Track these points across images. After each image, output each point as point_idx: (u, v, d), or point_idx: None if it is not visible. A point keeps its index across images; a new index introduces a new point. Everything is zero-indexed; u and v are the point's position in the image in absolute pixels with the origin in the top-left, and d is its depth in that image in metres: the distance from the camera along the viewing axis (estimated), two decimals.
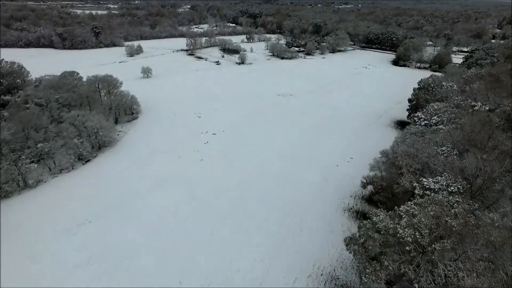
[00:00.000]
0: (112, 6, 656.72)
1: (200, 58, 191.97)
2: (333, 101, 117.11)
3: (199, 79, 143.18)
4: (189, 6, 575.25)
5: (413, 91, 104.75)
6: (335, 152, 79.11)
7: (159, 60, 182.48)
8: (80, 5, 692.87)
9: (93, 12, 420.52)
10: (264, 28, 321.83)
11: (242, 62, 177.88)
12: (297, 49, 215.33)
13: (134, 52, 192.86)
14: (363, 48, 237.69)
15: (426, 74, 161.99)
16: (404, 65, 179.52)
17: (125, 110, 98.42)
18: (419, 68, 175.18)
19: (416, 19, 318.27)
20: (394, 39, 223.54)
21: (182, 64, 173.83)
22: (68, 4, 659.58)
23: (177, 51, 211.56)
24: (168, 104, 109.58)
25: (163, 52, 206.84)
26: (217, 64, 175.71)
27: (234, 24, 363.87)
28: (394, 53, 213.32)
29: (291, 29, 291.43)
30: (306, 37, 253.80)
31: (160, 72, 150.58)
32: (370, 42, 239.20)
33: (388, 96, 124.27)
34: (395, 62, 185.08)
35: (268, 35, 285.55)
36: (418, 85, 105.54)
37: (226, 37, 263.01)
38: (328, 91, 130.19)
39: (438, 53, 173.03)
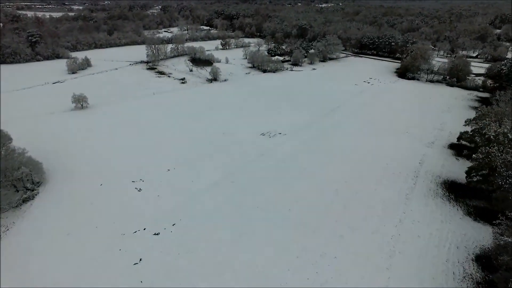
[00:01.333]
0: (76, 7, 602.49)
1: (162, 73, 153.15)
2: (344, 143, 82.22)
3: (153, 110, 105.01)
4: (159, 7, 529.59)
5: (465, 135, 71.59)
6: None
7: (108, 78, 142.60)
8: (39, 6, 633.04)
9: (49, 14, 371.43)
10: (242, 31, 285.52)
11: (214, 78, 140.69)
12: (281, 58, 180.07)
13: (77, 68, 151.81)
14: (356, 54, 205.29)
15: (444, 90, 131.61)
16: (412, 78, 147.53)
17: (15, 183, 59.70)
18: (431, 81, 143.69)
19: (409, 19, 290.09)
20: (392, 44, 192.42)
21: (136, 83, 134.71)
22: (25, 5, 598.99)
23: (135, 63, 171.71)
24: (96, 162, 71.41)
25: (117, 65, 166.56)
26: (182, 82, 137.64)
27: (208, 27, 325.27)
28: (394, 61, 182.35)
29: (272, 32, 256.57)
30: (290, 42, 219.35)
31: (101, 100, 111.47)
32: (364, 48, 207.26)
33: (414, 132, 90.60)
34: (401, 74, 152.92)
35: (246, 40, 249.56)
36: (469, 124, 72.35)
37: (198, 44, 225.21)
38: (332, 124, 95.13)
39: (454, 62, 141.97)
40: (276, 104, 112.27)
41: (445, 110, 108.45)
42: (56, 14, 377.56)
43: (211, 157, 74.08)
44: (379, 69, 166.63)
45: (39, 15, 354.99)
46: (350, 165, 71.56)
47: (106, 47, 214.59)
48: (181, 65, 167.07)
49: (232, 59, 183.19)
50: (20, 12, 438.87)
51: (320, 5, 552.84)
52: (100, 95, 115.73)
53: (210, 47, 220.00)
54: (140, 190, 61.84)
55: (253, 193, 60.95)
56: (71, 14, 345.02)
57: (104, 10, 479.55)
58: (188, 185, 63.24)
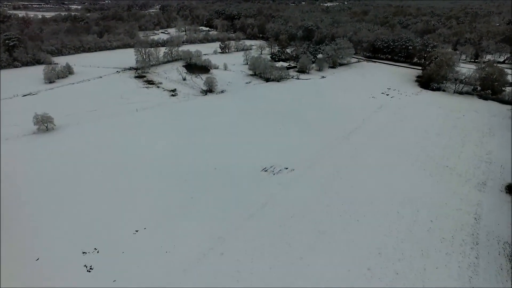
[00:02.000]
0: (74, 7, 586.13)
1: (151, 83, 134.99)
2: (369, 185, 63.57)
3: (130, 133, 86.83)
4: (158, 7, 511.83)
5: None
6: None
7: (88, 89, 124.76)
8: (36, 5, 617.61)
9: (41, 15, 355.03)
10: (243, 33, 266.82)
11: (209, 90, 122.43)
12: (286, 64, 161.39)
13: (55, 76, 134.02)
14: (369, 59, 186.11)
15: (477, 104, 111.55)
16: (438, 89, 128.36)
17: None
18: (460, 93, 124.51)
19: (424, 19, 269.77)
20: (410, 47, 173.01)
21: (119, 96, 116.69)
22: (22, 5, 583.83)
23: (123, 70, 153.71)
24: (37, 218, 53.33)
25: (103, 72, 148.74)
26: (173, 95, 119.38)
27: (208, 28, 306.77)
28: (413, 67, 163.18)
29: (276, 33, 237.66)
30: (296, 45, 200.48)
31: (72, 118, 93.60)
32: (377, 51, 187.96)
33: (454, 165, 71.70)
34: (424, 84, 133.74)
35: (248, 42, 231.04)
36: None
37: (195, 47, 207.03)
38: (351, 154, 76.44)
39: (486, 71, 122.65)
40: (281, 121, 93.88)
41: (487, 133, 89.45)
42: (52, 14, 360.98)
43: (196, 210, 55.73)
44: (397, 77, 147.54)
45: (31, 15, 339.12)
46: (383, 224, 52.99)
47: (95, 51, 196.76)
48: (174, 73, 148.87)
49: (231, 64, 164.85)
50: (14, 12, 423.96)
51: (325, 4, 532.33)
52: (73, 112, 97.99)
53: (208, 50, 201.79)
54: (90, 269, 43.65)
55: (250, 273, 42.64)
56: (64, 14, 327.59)
57: (102, 9, 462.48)
58: (160, 261, 45.01)
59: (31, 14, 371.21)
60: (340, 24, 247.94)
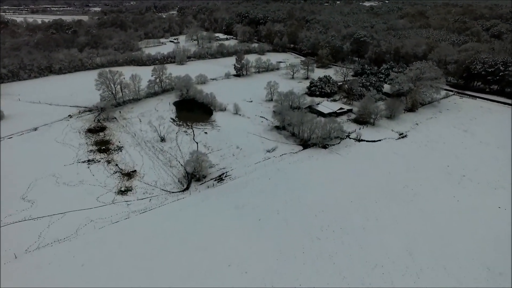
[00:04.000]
0: (96, 9, 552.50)
1: (104, 149, 79.24)
2: None
3: None
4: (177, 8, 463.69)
5: None
6: None
7: None
8: (55, 8, 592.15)
9: (42, 20, 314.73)
10: (269, 42, 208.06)
11: (197, 179, 64.37)
12: (335, 105, 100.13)
13: None
14: (462, 92, 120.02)
15: None
16: None
17: None
18: None
19: None
20: None
21: (24, 192, 61.65)
22: (40, 8, 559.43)
23: (80, 113, 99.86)
24: None
25: (46, 117, 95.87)
26: (123, 191, 62.02)
27: (226, 36, 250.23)
28: None
29: (312, 45, 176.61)
30: (344, 63, 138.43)
31: None
32: (473, 78, 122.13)
33: None
34: None
35: (275, 56, 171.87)
36: None
37: (203, 64, 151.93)
38: None
39: None
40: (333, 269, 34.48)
41: None
42: (71, 17, 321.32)
43: None
44: None
45: (31, 20, 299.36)
46: None
47: (67, 73, 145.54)
48: (154, 116, 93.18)
49: (247, 101, 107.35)
50: (21, 16, 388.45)
51: (366, 3, 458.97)
52: None
53: (219, 70, 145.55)
54: None
55: None
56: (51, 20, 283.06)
57: (120, 12, 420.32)
58: None
59: (34, 17, 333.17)
60: (398, 32, 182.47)
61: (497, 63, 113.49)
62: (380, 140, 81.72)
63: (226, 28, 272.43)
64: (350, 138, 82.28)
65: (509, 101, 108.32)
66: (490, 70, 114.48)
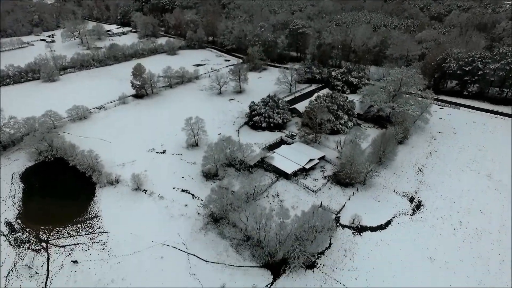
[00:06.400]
0: None
1: None
2: None
3: None
4: None
5: None
6: None
7: None
8: None
9: None
10: (180, 35, 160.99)
11: None
12: (303, 159, 63.84)
13: None
14: (438, 99, 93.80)
15: None
16: None
17: None
18: None
19: None
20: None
21: None
22: None
23: None
24: None
25: None
26: None
27: (122, 30, 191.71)
28: None
29: (236, 39, 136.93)
30: (290, 67, 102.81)
31: None
32: (445, 78, 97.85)
33: None
34: None
35: (189, 57, 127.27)
36: None
37: (87, 78, 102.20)
38: None
39: None
40: None
41: None
42: None
43: None
44: None
45: None
46: None
47: None
48: None
49: (156, 152, 64.53)
50: None
51: None
52: None
53: (112, 87, 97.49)
54: None
55: None
56: None
57: None
58: None
59: None
60: (334, 17, 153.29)
61: (475, 60, 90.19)
62: (389, 223, 48.55)
63: (122, 18, 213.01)
64: (342, 228, 47.32)
65: (496, 108, 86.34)
66: (467, 68, 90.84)
